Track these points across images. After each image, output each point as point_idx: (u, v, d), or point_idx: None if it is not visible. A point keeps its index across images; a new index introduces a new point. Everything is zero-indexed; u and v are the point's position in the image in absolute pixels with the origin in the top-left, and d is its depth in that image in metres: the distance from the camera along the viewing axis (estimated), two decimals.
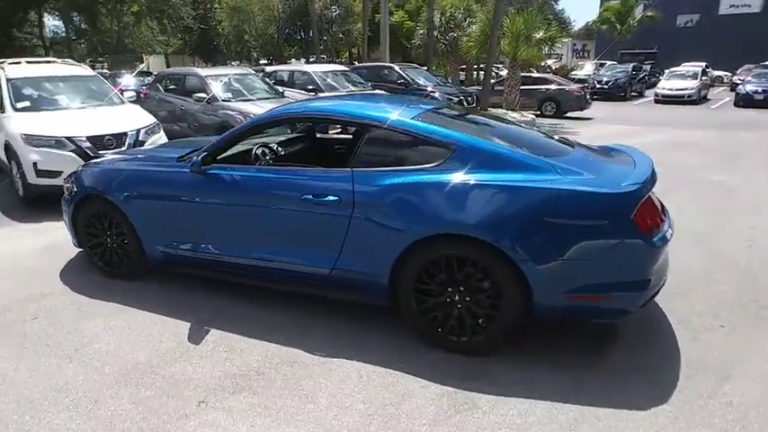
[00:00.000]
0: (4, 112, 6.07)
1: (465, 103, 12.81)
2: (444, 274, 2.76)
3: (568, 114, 15.51)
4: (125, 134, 5.96)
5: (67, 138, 5.58)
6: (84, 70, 7.51)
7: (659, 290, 2.83)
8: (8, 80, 6.34)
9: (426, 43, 21.80)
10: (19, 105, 6.06)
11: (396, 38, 36.62)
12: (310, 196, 2.98)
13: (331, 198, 2.93)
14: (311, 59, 28.56)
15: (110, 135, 5.84)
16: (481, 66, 20.97)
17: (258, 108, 7.20)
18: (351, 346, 2.95)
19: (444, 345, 2.87)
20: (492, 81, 16.31)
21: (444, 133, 2.92)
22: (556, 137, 3.59)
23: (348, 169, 3.01)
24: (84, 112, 6.38)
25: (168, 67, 30.18)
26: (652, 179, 2.77)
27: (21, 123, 5.73)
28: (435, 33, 21.64)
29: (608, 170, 2.90)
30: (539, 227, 2.58)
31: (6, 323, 3.29)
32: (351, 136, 4.20)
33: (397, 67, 13.97)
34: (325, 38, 48.63)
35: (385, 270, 2.88)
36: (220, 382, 2.66)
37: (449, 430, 2.29)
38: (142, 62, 30.46)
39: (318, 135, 4.60)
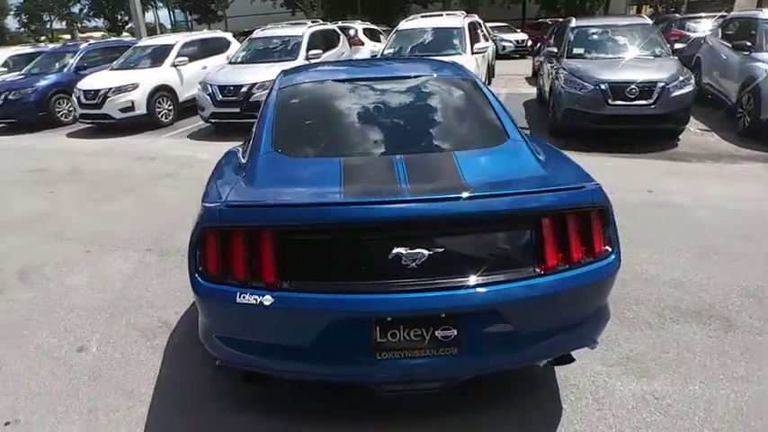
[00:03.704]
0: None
1: None
2: None
3: None
4: None
5: None
6: (457, 20, 8.99)
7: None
8: (396, 30, 9.05)
9: None
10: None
11: None
12: None
13: None
14: None
15: None
16: None
17: None
18: None
19: None
20: None
21: (264, 108, 2.81)
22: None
23: None
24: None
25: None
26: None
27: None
28: None
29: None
30: None
31: (175, 175, 5.68)
32: None
33: None
34: None
35: None
36: (145, 245, 4.12)
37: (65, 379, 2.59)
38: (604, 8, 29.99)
39: None
